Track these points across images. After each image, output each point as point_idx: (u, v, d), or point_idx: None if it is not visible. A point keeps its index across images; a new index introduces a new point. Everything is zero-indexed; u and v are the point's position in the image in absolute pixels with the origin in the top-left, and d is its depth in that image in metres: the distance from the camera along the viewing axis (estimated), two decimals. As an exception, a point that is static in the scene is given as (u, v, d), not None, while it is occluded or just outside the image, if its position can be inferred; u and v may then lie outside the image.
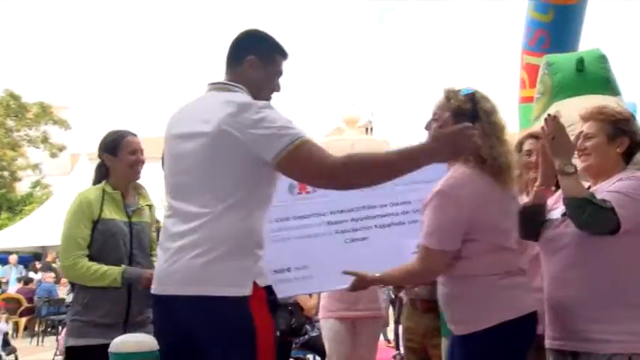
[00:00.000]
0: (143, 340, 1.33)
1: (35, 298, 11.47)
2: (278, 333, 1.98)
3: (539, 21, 5.88)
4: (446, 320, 2.24)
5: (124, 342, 1.32)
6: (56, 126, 23.11)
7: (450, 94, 2.18)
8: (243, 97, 1.98)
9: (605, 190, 2.10)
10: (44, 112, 22.73)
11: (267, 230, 2.33)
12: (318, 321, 5.26)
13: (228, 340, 1.80)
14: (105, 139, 2.89)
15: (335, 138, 12.15)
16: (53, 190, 24.64)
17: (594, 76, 3.81)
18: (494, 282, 2.05)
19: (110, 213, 2.75)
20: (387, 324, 3.73)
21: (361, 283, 2.32)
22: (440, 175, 2.32)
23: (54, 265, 13.84)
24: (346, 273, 2.33)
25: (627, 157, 2.24)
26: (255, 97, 2.01)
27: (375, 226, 2.59)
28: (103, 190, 2.79)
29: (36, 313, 11.32)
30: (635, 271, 2.04)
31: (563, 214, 2.16)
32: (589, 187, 2.24)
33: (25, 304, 11.43)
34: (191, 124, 1.97)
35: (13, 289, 12.68)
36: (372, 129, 28.15)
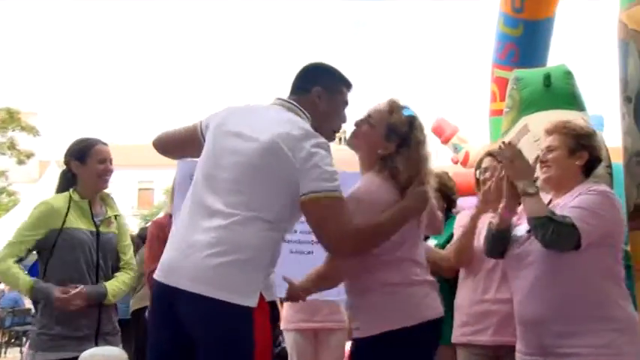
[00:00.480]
0: (112, 353, 1.32)
1: (-1, 308, 11.19)
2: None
3: (509, 35, 6.02)
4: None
5: (92, 355, 1.31)
6: (24, 132, 22.64)
7: (394, 108, 2.24)
8: (307, 125, 2.04)
9: (567, 206, 2.17)
10: (11, 118, 22.23)
11: None
12: (281, 333, 5.26)
13: (225, 348, 1.81)
14: (73, 145, 2.84)
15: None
16: (20, 197, 24.09)
17: (561, 92, 3.91)
18: (392, 293, 2.10)
19: (76, 222, 2.71)
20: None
21: (291, 292, 2.31)
22: None
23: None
24: (285, 280, 2.31)
25: (587, 171, 2.34)
26: (319, 127, 2.08)
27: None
28: (70, 198, 2.74)
29: (-1, 324, 11.06)
30: (599, 284, 2.11)
31: (528, 231, 2.23)
32: (550, 201, 2.32)
33: (-14, 316, 11.12)
34: (248, 127, 2.00)
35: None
36: (345, 138, 28.20)
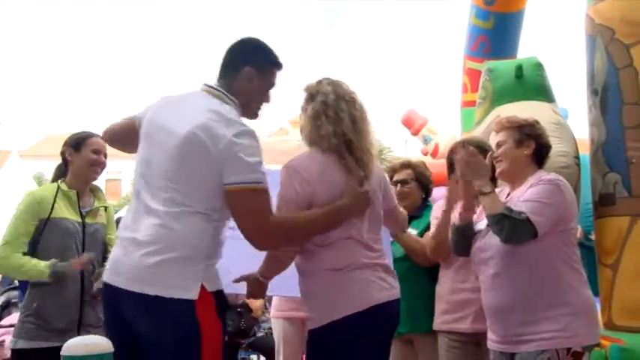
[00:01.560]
0: (96, 342, 1.33)
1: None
2: (226, 336, 1.95)
3: (481, 27, 6.10)
4: None
5: (76, 345, 1.31)
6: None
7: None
8: (232, 112, 1.98)
9: (520, 199, 2.27)
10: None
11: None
12: (264, 321, 5.28)
13: (171, 343, 1.81)
14: (71, 136, 2.87)
15: (281, 138, 12.19)
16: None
17: (532, 83, 3.98)
18: (333, 277, 2.08)
19: (62, 212, 2.69)
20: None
21: (251, 287, 2.28)
22: None
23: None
24: (236, 281, 2.29)
25: (538, 160, 2.44)
26: (246, 107, 2.07)
27: None
28: (58, 188, 2.73)
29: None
30: (555, 270, 2.21)
31: (488, 225, 2.31)
32: (508, 194, 2.40)
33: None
34: (173, 119, 1.97)
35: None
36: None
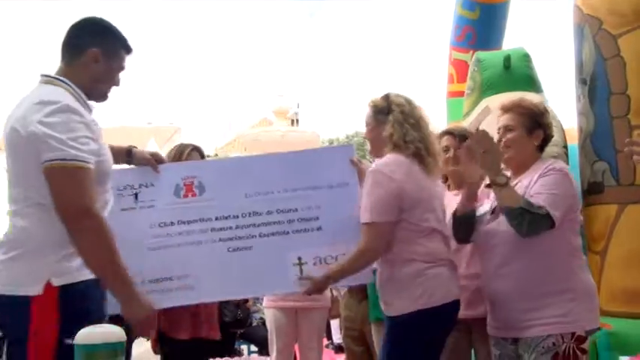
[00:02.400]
0: (110, 331, 1.33)
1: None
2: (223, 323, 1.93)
3: (467, 18, 6.12)
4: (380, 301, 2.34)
5: (90, 333, 1.31)
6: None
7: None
8: (53, 94, 1.88)
9: (530, 189, 2.21)
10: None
11: (148, 236, 2.34)
12: (255, 312, 5.30)
13: (8, 338, 1.84)
14: None
15: (266, 129, 12.19)
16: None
17: (520, 74, 4.02)
18: (422, 269, 2.20)
19: None
20: (338, 314, 3.70)
21: (314, 286, 2.32)
22: (328, 182, 2.45)
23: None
24: (301, 279, 2.35)
25: (541, 148, 2.38)
26: (92, 90, 2.00)
27: (260, 234, 2.40)
28: None
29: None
30: (561, 259, 2.20)
31: (493, 211, 2.29)
32: (514, 182, 2.35)
33: None
34: (8, 118, 1.92)
35: None
36: (297, 120, 28.18)
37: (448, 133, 2.84)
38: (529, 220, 2.09)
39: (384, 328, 2.93)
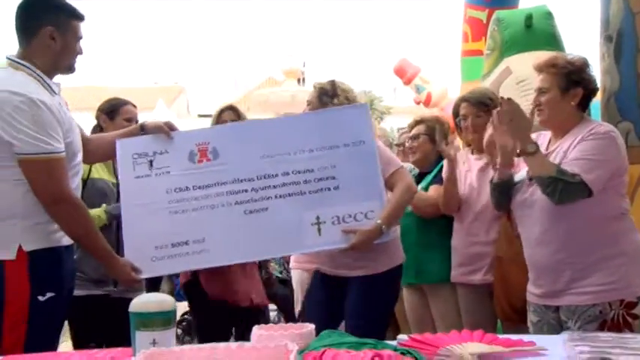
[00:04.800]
0: (163, 300, 1.35)
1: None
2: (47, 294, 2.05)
3: (482, -26, 6.00)
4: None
5: (145, 302, 1.34)
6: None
7: None
8: (16, 81, 1.99)
9: (569, 154, 2.14)
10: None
11: (165, 201, 2.38)
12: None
13: None
14: (105, 102, 2.97)
15: (274, 90, 12.06)
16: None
17: (542, 33, 3.93)
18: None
19: (99, 173, 2.76)
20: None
21: (361, 238, 2.34)
22: (344, 141, 2.44)
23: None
24: (346, 232, 2.36)
25: (584, 106, 2.27)
26: (56, 67, 2.11)
27: (275, 196, 2.41)
28: None
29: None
30: (607, 223, 2.12)
31: (531, 178, 2.21)
32: (549, 142, 2.29)
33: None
34: None
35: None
36: (304, 79, 27.90)
37: (464, 100, 2.80)
38: (561, 188, 2.03)
39: (407, 291, 2.98)
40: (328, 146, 2.45)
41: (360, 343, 1.32)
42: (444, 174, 2.83)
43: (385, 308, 2.61)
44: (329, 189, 2.42)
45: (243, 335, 2.80)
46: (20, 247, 1.97)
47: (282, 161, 2.44)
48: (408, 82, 11.43)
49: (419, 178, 3.10)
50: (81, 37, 2.17)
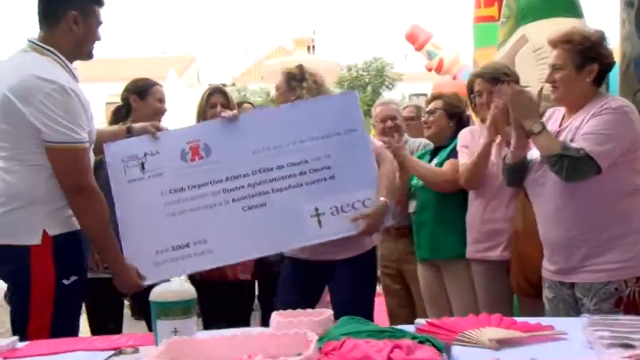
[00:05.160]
0: (184, 289, 1.37)
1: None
2: (71, 277, 2.07)
3: (497, -64, 5.82)
4: None
5: (165, 291, 1.35)
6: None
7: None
8: (46, 67, 2.00)
9: (580, 130, 2.12)
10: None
11: (161, 203, 2.35)
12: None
13: (11, 286, 2.04)
14: (134, 82, 2.98)
15: (285, 59, 11.94)
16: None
17: (559, -1, 3.85)
18: None
19: None
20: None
21: (369, 221, 2.37)
22: (335, 130, 2.44)
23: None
24: (354, 219, 2.39)
25: (599, 81, 2.21)
26: (78, 52, 2.12)
27: (273, 190, 2.40)
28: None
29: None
30: (620, 200, 2.11)
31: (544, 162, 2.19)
32: (562, 118, 2.26)
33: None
34: (5, 84, 2.02)
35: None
36: (314, 47, 27.57)
37: (478, 76, 2.74)
38: (568, 165, 2.02)
39: (423, 267, 2.98)
40: (320, 136, 2.45)
41: (378, 331, 1.32)
42: (461, 146, 2.79)
43: (372, 286, 2.71)
44: (325, 179, 2.42)
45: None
46: (45, 231, 1.99)
47: (276, 154, 2.43)
48: (419, 49, 11.29)
49: (434, 153, 3.08)
50: (101, 23, 2.17)
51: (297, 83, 2.62)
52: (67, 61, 2.10)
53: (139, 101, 2.91)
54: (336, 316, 1.48)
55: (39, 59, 2.04)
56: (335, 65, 12.42)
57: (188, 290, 1.36)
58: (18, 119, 1.96)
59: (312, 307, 2.53)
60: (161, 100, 2.94)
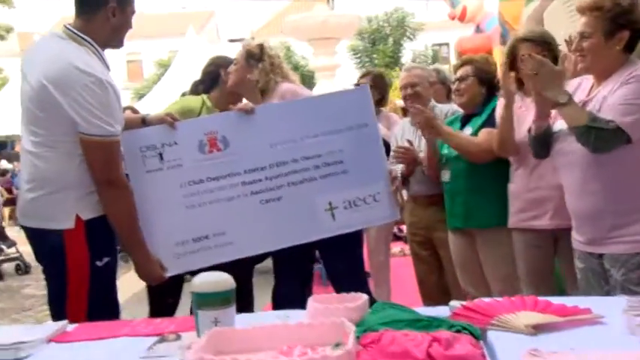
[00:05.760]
0: (224, 279, 1.39)
1: (13, 188, 11.57)
2: (104, 259, 2.14)
3: None
4: None
5: (204, 282, 1.38)
6: (-1, 5, 21.59)
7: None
8: (82, 58, 2.03)
9: (607, 99, 2.07)
10: (-16, -10, 21.11)
11: (180, 195, 2.36)
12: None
13: (47, 269, 2.11)
14: (224, 57, 3.04)
15: (306, 15, 11.75)
16: (6, 75, 23.60)
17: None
18: None
19: None
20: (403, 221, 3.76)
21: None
22: (347, 124, 2.46)
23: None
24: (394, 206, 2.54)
25: (630, 48, 2.14)
26: (111, 41, 2.16)
27: (288, 184, 2.43)
28: (203, 102, 2.84)
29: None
30: None
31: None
32: (591, 87, 2.20)
33: (6, 195, 11.50)
34: (30, 67, 2.08)
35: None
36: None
37: (526, 40, 2.61)
38: (595, 136, 1.99)
39: (454, 235, 2.98)
40: (333, 130, 2.48)
41: (414, 320, 1.33)
42: (497, 113, 2.74)
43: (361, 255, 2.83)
44: (337, 173, 2.46)
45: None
46: (78, 216, 2.05)
47: (291, 148, 2.45)
48: (442, -4, 11.02)
49: (465, 120, 3.02)
50: (135, 12, 2.20)
51: (255, 62, 2.68)
52: (101, 51, 2.13)
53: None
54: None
55: (77, 49, 2.07)
56: (355, 19, 12.16)
57: (227, 280, 1.38)
58: (54, 108, 1.99)
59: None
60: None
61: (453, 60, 20.21)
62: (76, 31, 2.10)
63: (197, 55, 15.76)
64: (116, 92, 2.07)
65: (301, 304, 1.56)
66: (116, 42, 2.20)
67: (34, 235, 2.11)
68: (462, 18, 11.32)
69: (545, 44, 2.55)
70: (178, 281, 2.80)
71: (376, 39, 23.92)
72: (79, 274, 2.04)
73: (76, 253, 2.03)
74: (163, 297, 2.77)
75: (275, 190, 2.43)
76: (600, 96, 2.12)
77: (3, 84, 20.36)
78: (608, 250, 2.12)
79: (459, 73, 2.99)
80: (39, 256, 2.15)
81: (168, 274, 2.29)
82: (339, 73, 12.25)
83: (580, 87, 2.27)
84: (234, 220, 2.39)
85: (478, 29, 10.96)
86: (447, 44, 27.40)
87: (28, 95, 2.07)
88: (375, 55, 23.65)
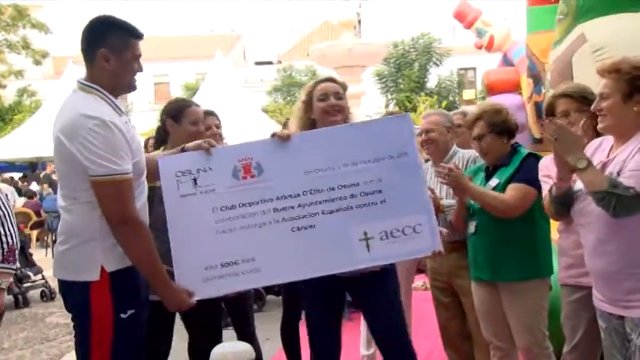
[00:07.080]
0: (243, 350, 1.40)
1: (42, 211, 11.73)
2: (129, 310, 2.16)
3: None
4: None
5: (225, 352, 1.39)
6: (35, 30, 22.16)
7: None
8: (88, 104, 2.08)
9: (627, 164, 2.07)
10: (20, 15, 21.69)
11: (212, 220, 2.36)
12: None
13: (74, 320, 2.15)
14: (169, 104, 3.01)
15: (332, 43, 11.89)
16: (41, 97, 24.19)
17: (623, -8, 3.63)
18: None
19: None
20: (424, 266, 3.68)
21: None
22: (388, 153, 2.41)
23: (54, 176, 13.99)
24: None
25: None
26: (116, 86, 2.17)
27: (322, 212, 2.37)
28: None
29: (46, 226, 11.76)
30: None
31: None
32: (611, 148, 2.20)
33: (35, 218, 11.67)
34: (54, 124, 2.14)
35: (19, 203, 12.79)
36: (360, 22, 27.10)
37: (565, 95, 2.60)
38: (615, 202, 1.98)
39: (478, 285, 2.92)
40: (373, 159, 2.43)
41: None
42: (543, 176, 2.57)
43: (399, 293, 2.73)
44: (375, 203, 2.40)
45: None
46: (102, 267, 2.08)
47: (327, 176, 2.42)
48: (468, 26, 11.00)
49: (491, 170, 2.94)
50: (139, 56, 2.21)
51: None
52: (110, 96, 2.16)
53: (174, 125, 2.91)
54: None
55: (85, 98, 2.13)
56: (381, 47, 12.26)
57: (247, 350, 1.39)
58: (69, 158, 2.04)
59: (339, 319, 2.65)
60: (196, 122, 2.90)
61: (479, 85, 20.03)
62: (84, 82, 2.16)
63: (224, 78, 16.06)
64: (123, 132, 2.08)
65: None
66: (122, 86, 2.21)
67: (64, 286, 2.16)
68: (489, 47, 11.29)
69: (584, 100, 2.53)
70: (169, 329, 2.81)
71: (402, 64, 23.93)
72: (103, 325, 2.07)
73: (100, 305, 2.06)
74: (155, 344, 2.72)
75: (308, 217, 2.39)
76: (620, 159, 2.12)
77: (37, 107, 20.85)
78: (628, 314, 2.09)
79: (475, 132, 2.92)
80: (67, 306, 2.19)
81: (196, 299, 2.28)
82: (364, 100, 12.30)
83: (600, 147, 2.27)
84: (265, 246, 2.37)
85: (505, 57, 10.94)
86: (473, 69, 27.36)
87: (54, 151, 2.13)
88: (400, 80, 23.68)
